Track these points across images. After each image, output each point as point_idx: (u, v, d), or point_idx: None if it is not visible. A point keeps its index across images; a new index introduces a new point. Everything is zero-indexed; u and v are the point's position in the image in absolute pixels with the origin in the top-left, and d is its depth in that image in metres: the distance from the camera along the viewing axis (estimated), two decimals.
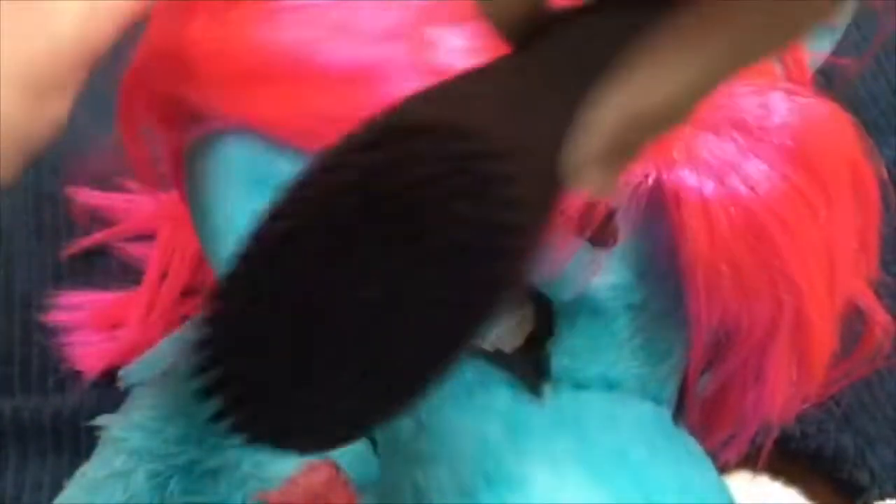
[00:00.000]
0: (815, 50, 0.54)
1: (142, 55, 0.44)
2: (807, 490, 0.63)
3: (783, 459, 0.63)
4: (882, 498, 0.62)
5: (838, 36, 0.55)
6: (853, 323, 0.45)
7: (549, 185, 0.25)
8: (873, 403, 0.64)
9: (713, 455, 0.44)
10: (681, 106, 0.25)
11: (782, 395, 0.42)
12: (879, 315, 0.46)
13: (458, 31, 0.37)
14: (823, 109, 0.40)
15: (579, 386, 0.40)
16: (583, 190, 0.26)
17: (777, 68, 0.46)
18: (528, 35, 0.27)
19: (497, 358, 0.40)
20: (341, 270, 0.26)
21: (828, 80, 0.57)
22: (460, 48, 0.37)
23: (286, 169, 0.39)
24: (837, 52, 0.55)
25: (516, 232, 0.24)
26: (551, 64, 0.26)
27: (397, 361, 0.27)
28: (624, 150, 0.26)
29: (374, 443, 0.43)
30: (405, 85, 0.36)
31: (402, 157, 0.24)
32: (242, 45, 0.39)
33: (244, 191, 0.41)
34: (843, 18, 0.56)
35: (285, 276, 0.26)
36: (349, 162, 0.25)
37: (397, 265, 0.25)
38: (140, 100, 0.44)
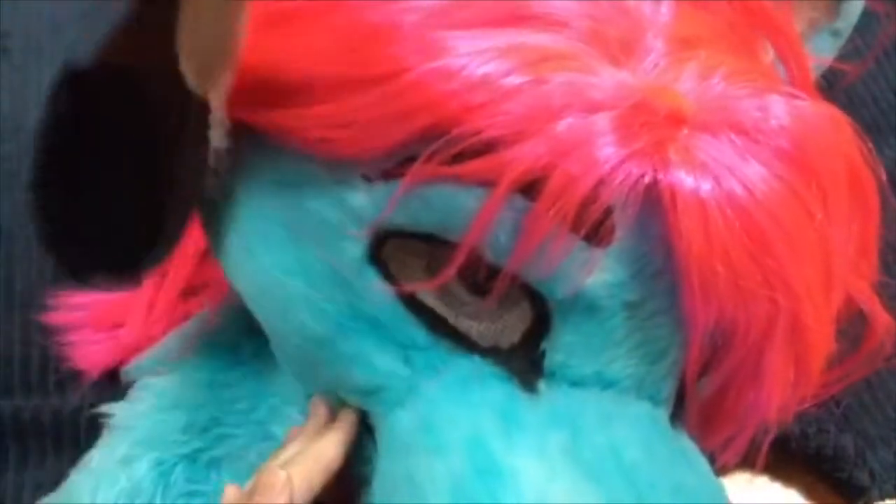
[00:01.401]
0: (819, 55, 0.54)
1: None
2: (807, 490, 0.64)
3: (783, 460, 0.63)
4: (882, 498, 0.62)
5: (842, 42, 0.55)
6: (855, 324, 0.45)
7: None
8: (873, 404, 0.64)
9: (712, 456, 0.45)
10: (221, 41, 0.36)
11: (780, 396, 0.42)
12: (881, 317, 0.45)
13: (472, 34, 0.37)
14: (822, 112, 0.40)
15: (575, 384, 0.40)
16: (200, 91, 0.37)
17: (780, 71, 0.46)
18: None
19: (493, 354, 0.40)
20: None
21: (828, 83, 0.57)
22: (475, 51, 0.37)
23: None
24: (839, 56, 0.55)
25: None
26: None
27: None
28: (208, 69, 0.37)
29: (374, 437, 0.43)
30: (421, 87, 0.37)
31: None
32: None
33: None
34: (847, 24, 0.56)
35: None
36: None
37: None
38: None
